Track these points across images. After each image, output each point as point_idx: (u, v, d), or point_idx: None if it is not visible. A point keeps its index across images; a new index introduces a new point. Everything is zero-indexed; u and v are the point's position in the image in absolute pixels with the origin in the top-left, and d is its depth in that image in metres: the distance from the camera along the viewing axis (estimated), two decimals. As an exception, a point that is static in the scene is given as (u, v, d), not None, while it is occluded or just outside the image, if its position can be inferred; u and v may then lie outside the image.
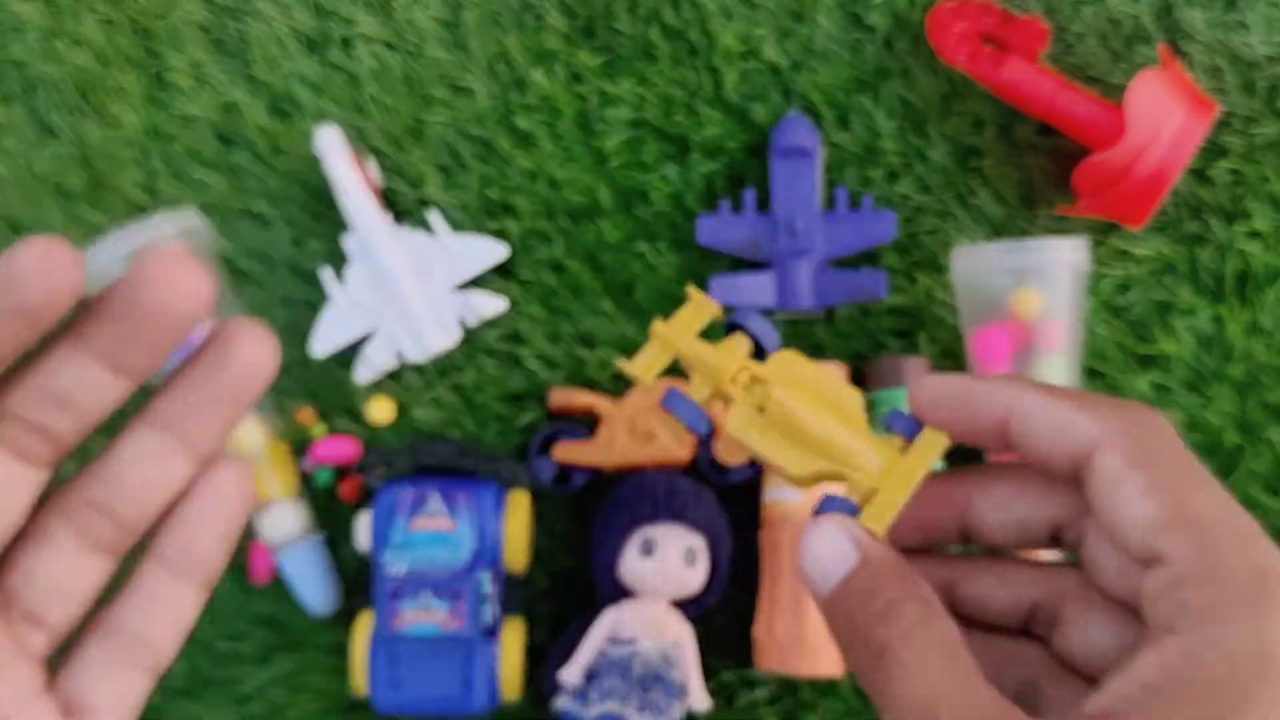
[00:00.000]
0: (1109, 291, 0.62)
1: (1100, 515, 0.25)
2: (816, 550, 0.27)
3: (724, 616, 0.62)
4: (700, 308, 0.37)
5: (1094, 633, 0.27)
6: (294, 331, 0.64)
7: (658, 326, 0.37)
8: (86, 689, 0.25)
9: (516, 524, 0.59)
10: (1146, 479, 0.24)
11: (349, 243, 0.63)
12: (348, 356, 0.64)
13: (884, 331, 0.63)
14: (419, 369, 0.63)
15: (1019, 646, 0.28)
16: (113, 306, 0.23)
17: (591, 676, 0.57)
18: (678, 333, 0.35)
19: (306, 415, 0.64)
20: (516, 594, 0.60)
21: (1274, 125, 0.63)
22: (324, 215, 0.65)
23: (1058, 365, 0.59)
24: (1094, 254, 0.62)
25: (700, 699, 0.57)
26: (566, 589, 0.63)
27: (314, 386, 0.64)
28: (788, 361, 0.35)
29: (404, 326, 0.62)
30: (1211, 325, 0.62)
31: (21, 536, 0.24)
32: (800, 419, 0.32)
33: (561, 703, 0.57)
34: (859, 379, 0.62)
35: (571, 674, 0.57)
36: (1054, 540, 0.28)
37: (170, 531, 0.26)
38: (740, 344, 0.34)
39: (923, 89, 0.64)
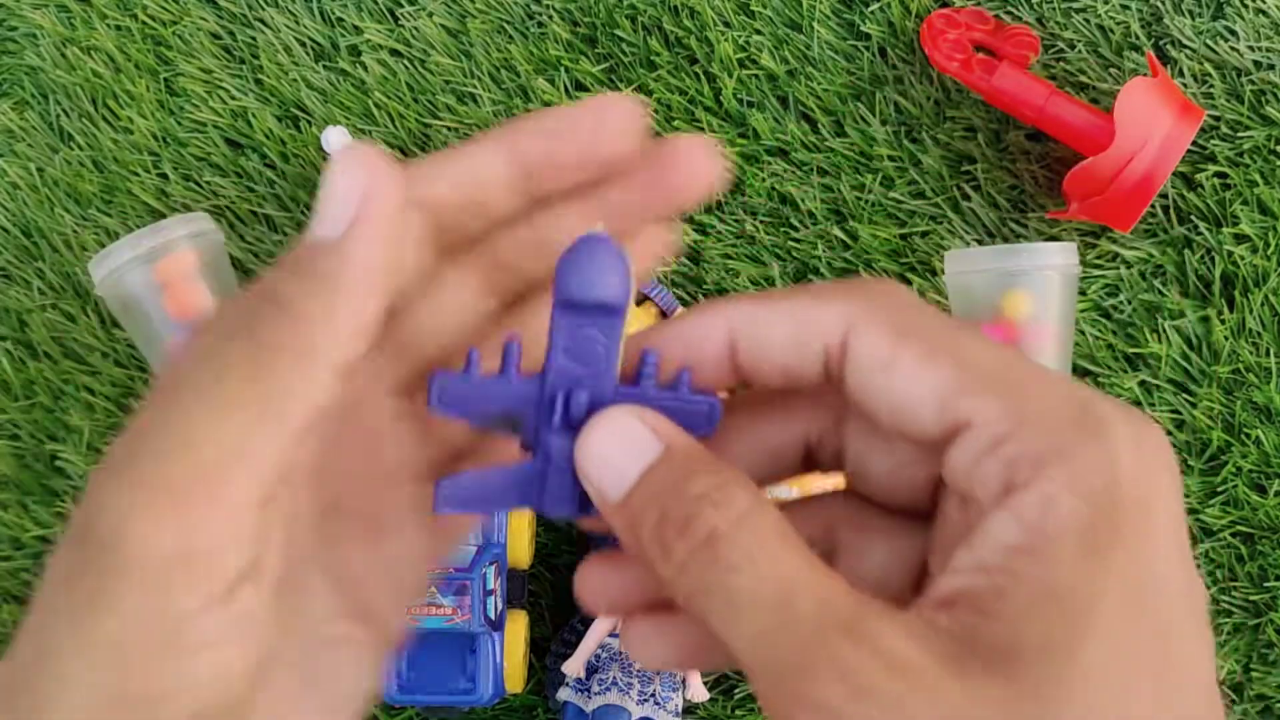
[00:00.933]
0: (1098, 293, 0.64)
1: (871, 404, 0.22)
2: (606, 446, 0.22)
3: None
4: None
5: (876, 557, 0.23)
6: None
7: None
8: None
9: (520, 520, 0.60)
10: (920, 348, 0.21)
11: None
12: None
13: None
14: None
15: None
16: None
17: (593, 669, 0.58)
18: None
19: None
20: (520, 588, 0.60)
21: (1261, 130, 0.64)
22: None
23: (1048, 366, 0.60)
24: (1084, 257, 0.63)
25: (699, 691, 0.59)
26: (568, 583, 0.64)
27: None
28: None
29: None
30: (1199, 327, 0.63)
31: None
32: None
33: (564, 694, 0.58)
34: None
35: (574, 666, 0.58)
36: (809, 463, 0.25)
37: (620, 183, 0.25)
38: (647, 312, 0.39)
39: (916, 96, 0.65)
